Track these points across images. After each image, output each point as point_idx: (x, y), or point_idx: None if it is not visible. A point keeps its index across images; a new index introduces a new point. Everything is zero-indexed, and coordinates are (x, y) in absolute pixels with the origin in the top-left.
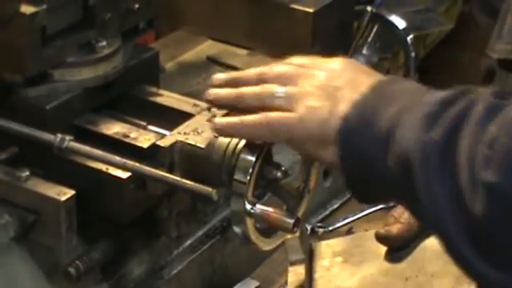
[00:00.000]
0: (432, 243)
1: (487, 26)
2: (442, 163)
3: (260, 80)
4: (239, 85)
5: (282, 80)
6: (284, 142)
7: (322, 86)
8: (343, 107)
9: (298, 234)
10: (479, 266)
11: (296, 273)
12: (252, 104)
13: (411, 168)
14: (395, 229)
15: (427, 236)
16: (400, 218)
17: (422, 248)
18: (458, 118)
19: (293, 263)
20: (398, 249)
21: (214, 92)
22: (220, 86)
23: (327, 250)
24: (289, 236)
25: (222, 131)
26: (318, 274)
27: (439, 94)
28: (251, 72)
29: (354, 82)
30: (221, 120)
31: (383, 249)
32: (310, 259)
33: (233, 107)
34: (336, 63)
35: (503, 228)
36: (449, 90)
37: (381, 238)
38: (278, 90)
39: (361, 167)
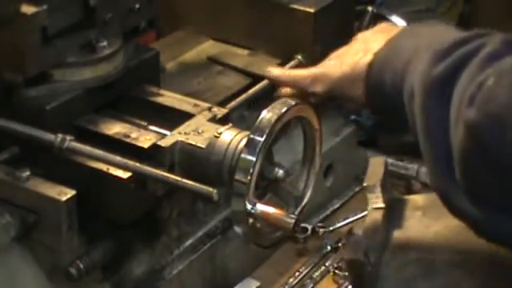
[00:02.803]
0: None
1: None
2: (439, 95)
3: None
4: None
5: None
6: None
7: (357, 47)
8: (375, 49)
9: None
10: (458, 198)
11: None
12: None
13: (413, 96)
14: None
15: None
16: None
17: None
18: (465, 57)
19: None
20: None
21: None
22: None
23: (408, 204)
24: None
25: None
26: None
27: (456, 35)
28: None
29: (387, 37)
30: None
31: None
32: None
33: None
34: (371, 30)
35: (476, 164)
36: (467, 32)
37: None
38: None
39: (382, 96)
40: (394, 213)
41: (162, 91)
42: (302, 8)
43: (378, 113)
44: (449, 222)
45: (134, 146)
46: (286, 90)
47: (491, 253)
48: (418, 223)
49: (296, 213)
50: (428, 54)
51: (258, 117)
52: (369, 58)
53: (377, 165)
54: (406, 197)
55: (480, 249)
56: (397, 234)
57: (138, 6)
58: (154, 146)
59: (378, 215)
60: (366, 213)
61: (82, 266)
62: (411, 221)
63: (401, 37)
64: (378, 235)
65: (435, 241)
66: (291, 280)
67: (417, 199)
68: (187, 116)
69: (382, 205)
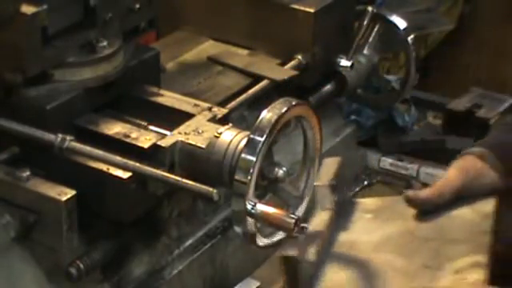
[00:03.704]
0: (463, 213)
1: None
2: None
3: None
4: None
5: None
6: None
7: None
8: None
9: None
10: None
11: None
12: None
13: None
14: (424, 193)
15: (458, 206)
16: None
17: (452, 216)
18: None
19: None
20: (425, 212)
21: None
22: None
23: (359, 206)
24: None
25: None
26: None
27: None
28: None
29: None
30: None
31: (412, 211)
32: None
33: None
34: None
35: None
36: None
37: (408, 200)
38: None
39: None
40: (344, 214)
41: (162, 91)
42: (302, 8)
43: None
44: (397, 226)
45: (134, 145)
46: None
47: (430, 257)
48: (365, 226)
49: (298, 213)
50: None
51: (258, 117)
52: None
53: (330, 165)
54: (359, 199)
55: (419, 253)
56: (341, 236)
57: (138, 5)
58: (154, 146)
59: (325, 216)
60: None
61: (81, 265)
62: (359, 223)
63: None
64: (321, 235)
65: (377, 244)
66: None
67: (368, 202)
68: (187, 116)
69: (330, 206)
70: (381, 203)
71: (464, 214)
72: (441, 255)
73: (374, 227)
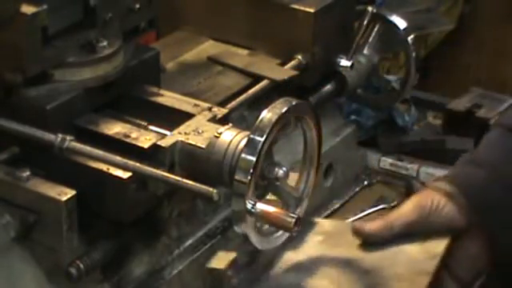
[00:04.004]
0: (410, 249)
1: None
2: None
3: None
4: None
5: None
6: None
7: None
8: None
9: None
10: None
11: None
12: None
13: None
14: (371, 225)
15: (408, 241)
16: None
17: (398, 251)
18: None
19: None
20: (371, 244)
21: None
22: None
23: (315, 227)
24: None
25: None
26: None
27: None
28: None
29: None
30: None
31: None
32: None
33: None
34: None
35: None
36: None
37: (354, 231)
38: None
39: None
40: (299, 233)
41: (162, 91)
42: (302, 8)
43: None
44: (341, 254)
45: (134, 145)
46: None
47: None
48: (311, 248)
49: (298, 212)
50: None
51: (258, 117)
52: None
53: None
54: (318, 220)
55: (354, 285)
56: (287, 254)
57: (138, 5)
58: (154, 146)
59: None
60: (366, 213)
61: (81, 265)
62: (308, 244)
63: None
64: (261, 253)
65: (316, 268)
66: None
67: (324, 224)
68: (187, 116)
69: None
70: (336, 227)
71: (411, 251)
72: None
73: (319, 250)
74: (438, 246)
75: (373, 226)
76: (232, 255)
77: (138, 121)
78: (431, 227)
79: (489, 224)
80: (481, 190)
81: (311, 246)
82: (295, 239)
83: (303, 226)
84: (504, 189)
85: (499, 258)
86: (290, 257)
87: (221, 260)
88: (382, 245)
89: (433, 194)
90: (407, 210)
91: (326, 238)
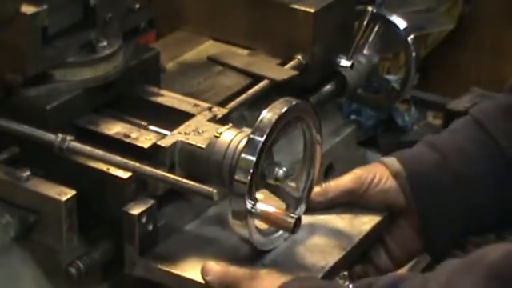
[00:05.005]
0: (338, 222)
1: None
2: None
3: None
4: None
5: None
6: None
7: None
8: None
9: None
10: None
11: None
12: None
13: None
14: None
15: (340, 213)
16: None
17: (326, 221)
18: None
19: None
20: (310, 210)
21: None
22: None
23: None
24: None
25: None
26: None
27: None
28: None
29: None
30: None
31: None
32: None
33: None
34: None
35: None
36: None
37: None
38: None
39: None
40: None
41: (162, 91)
42: (302, 8)
43: None
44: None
45: (134, 145)
46: None
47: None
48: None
49: (298, 212)
50: None
51: (258, 117)
52: None
53: None
54: None
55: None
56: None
57: (138, 5)
58: (154, 146)
59: None
60: None
61: (81, 265)
62: None
63: None
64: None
65: None
66: None
67: None
68: (187, 116)
69: None
70: None
71: (338, 223)
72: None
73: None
74: (366, 223)
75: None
76: (150, 202)
77: (138, 121)
78: (368, 201)
79: (424, 210)
80: (426, 174)
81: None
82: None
83: None
84: (450, 177)
85: (430, 245)
86: (215, 211)
87: (137, 207)
88: (316, 211)
89: (378, 168)
90: (346, 179)
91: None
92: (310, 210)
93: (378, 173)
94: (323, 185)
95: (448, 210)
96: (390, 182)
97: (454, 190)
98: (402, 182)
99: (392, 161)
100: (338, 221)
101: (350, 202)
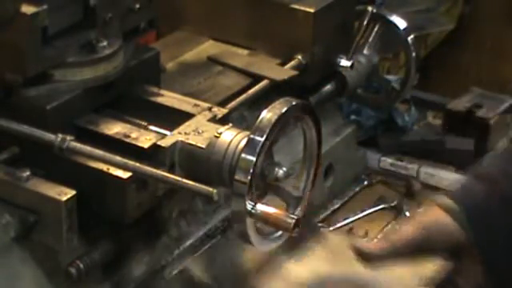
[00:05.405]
0: (401, 270)
1: None
2: None
3: None
4: None
5: None
6: None
7: None
8: None
9: None
10: None
11: None
12: None
13: None
14: (372, 246)
15: (405, 262)
16: (390, 235)
17: (389, 270)
18: None
19: None
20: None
21: None
22: None
23: (319, 238)
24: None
25: None
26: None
27: None
28: None
29: None
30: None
31: None
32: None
33: None
34: None
35: None
36: None
37: (355, 250)
38: None
39: None
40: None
41: (162, 91)
42: (302, 8)
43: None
44: (342, 270)
45: (134, 145)
46: None
47: None
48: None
49: (298, 213)
50: None
51: (258, 117)
52: None
53: None
54: (326, 231)
55: None
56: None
57: (138, 5)
58: (154, 146)
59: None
60: (366, 213)
61: (81, 265)
62: (309, 259)
63: None
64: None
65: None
66: None
67: (333, 238)
68: (187, 116)
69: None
70: (339, 243)
71: (401, 271)
72: None
73: (320, 266)
74: (427, 268)
75: (371, 247)
76: None
77: (138, 121)
78: (433, 245)
79: (482, 241)
80: (480, 203)
81: (313, 260)
82: (299, 249)
83: (308, 232)
84: (502, 201)
85: (491, 275)
86: (291, 268)
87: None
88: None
89: (434, 211)
90: (411, 230)
91: (328, 253)
92: (373, 265)
93: (436, 215)
94: (387, 240)
95: (498, 232)
96: (447, 220)
97: (502, 212)
98: (459, 217)
99: (442, 199)
100: (400, 269)
101: (415, 252)
